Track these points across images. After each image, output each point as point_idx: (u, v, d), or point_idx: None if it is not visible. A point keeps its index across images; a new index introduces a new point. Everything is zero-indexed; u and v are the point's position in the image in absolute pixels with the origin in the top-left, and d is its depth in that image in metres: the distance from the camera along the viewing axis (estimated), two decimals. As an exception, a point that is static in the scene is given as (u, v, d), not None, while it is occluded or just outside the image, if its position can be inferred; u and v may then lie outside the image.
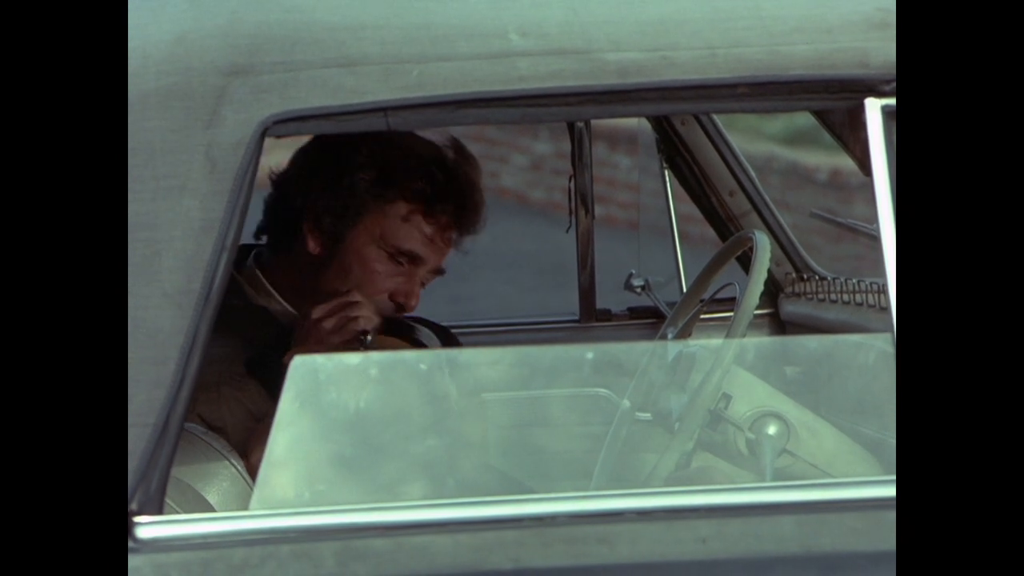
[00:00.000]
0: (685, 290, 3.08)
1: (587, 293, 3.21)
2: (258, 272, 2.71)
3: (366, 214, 2.65)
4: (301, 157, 2.70)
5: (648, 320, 3.20)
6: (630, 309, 3.22)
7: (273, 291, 2.70)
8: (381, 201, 2.65)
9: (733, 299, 2.73)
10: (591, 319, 3.20)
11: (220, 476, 2.39)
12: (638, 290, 3.18)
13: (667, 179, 3.20)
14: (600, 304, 3.22)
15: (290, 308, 2.69)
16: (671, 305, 3.09)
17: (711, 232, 3.23)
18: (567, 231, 3.14)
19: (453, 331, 2.85)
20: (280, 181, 2.70)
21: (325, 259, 2.66)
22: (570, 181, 3.14)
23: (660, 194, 3.21)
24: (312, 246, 2.66)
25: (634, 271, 3.21)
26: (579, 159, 3.13)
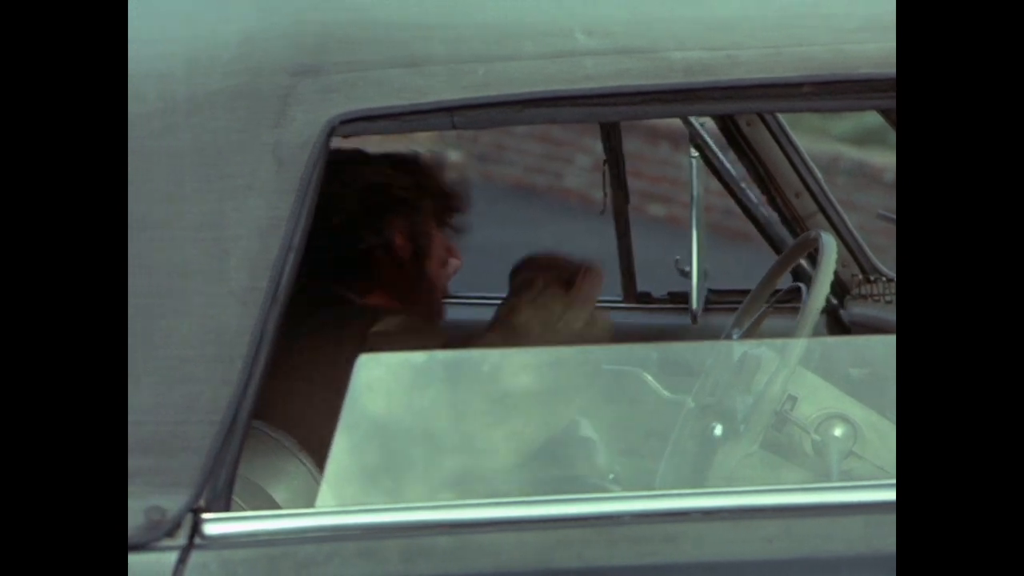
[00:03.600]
0: (695, 281, 3.25)
1: (627, 274, 3.36)
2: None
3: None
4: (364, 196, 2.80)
5: (683, 305, 3.32)
6: (670, 294, 3.38)
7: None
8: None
9: (798, 300, 2.73)
10: (632, 300, 3.39)
11: (290, 474, 2.40)
12: (687, 269, 3.30)
13: (694, 172, 3.27)
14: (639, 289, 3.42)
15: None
16: (716, 293, 3.30)
17: (751, 228, 3.31)
18: (600, 213, 3.34)
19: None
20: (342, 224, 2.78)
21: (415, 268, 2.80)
22: (604, 165, 3.30)
23: (732, 194, 3.29)
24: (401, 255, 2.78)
25: (679, 257, 3.35)
26: (610, 145, 3.23)
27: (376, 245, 2.77)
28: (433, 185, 2.83)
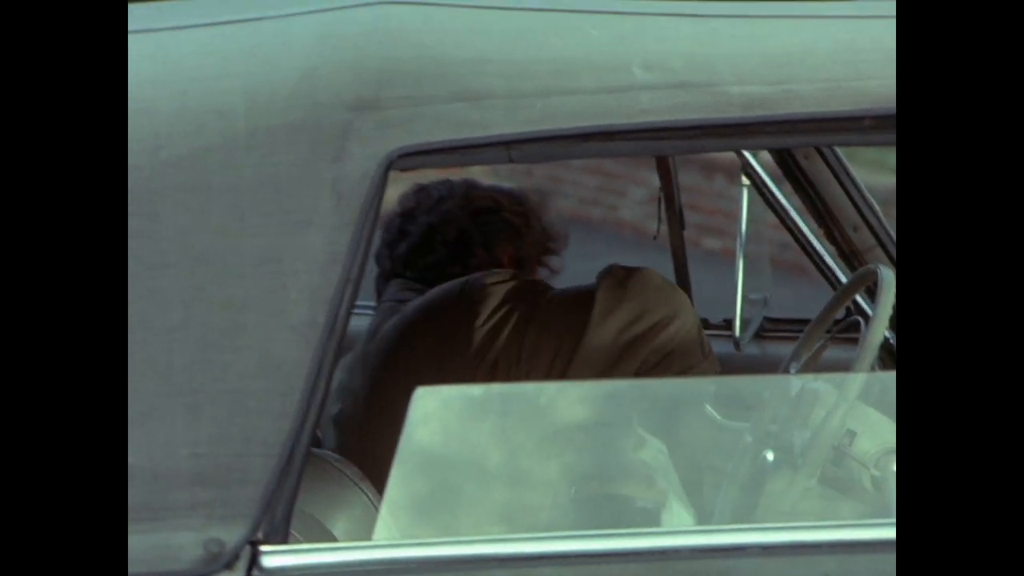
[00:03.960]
0: (738, 309, 3.31)
1: None
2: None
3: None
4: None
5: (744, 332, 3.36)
6: (726, 320, 3.39)
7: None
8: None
9: (856, 333, 2.71)
10: None
11: (351, 504, 2.41)
12: (750, 296, 3.36)
13: (744, 202, 3.32)
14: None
15: None
16: (772, 322, 3.32)
17: (807, 261, 3.32)
18: (654, 239, 3.42)
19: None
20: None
21: None
22: (660, 192, 3.37)
23: (787, 227, 3.32)
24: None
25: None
26: (665, 176, 3.34)
27: (484, 263, 2.91)
28: (536, 220, 2.99)
